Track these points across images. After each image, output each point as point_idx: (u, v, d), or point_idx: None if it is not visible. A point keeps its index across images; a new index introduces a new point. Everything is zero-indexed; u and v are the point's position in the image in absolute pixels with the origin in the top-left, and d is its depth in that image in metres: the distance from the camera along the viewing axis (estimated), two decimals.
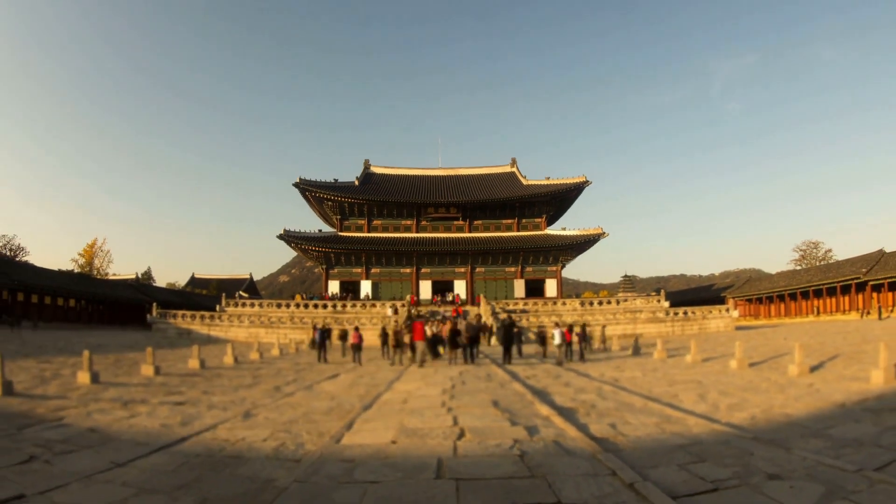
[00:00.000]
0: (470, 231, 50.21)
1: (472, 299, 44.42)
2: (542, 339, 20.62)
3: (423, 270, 48.31)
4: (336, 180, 50.05)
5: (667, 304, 39.31)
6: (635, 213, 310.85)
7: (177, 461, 5.86)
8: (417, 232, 49.73)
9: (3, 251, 58.25)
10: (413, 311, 36.76)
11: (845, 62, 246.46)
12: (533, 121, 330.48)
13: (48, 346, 21.77)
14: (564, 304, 40.80)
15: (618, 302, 42.53)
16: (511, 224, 50.75)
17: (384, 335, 21.07)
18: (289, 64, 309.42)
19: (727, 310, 38.11)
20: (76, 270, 60.56)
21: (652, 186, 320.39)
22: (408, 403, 9.24)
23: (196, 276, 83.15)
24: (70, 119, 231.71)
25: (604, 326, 27.98)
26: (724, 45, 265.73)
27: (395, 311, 36.83)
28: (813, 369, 12.79)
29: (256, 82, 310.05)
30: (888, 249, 45.45)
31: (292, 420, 8.28)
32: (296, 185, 47.43)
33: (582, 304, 41.09)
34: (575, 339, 18.91)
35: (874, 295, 42.84)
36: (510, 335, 18.12)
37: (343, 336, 24.89)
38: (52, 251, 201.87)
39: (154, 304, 39.54)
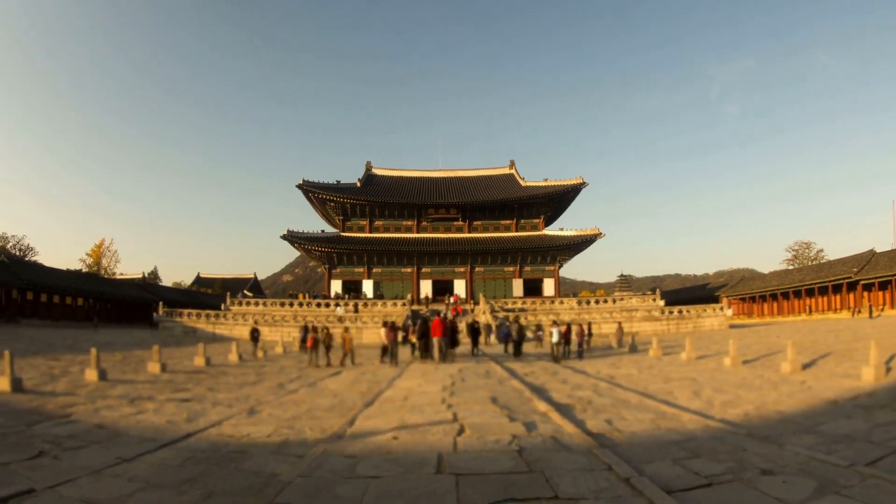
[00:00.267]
0: (469, 231, 50.20)
1: (472, 298, 44.40)
2: (540, 337, 20.70)
3: (424, 270, 48.31)
4: (338, 182, 50.07)
5: (662, 302, 39.32)
6: (632, 214, 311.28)
7: (183, 456, 5.87)
8: (418, 232, 49.72)
9: (13, 251, 58.25)
10: (424, 309, 36.69)
11: (840, 67, 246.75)
12: (532, 124, 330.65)
13: (57, 343, 21.76)
14: (562, 303, 40.79)
15: (614, 301, 42.53)
16: (510, 225, 50.75)
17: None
18: (292, 69, 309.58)
19: (721, 308, 38.09)
20: (84, 270, 60.58)
21: (648, 188, 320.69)
22: (409, 400, 9.23)
23: (201, 275, 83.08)
24: (78, 122, 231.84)
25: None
26: (722, 50, 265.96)
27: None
28: (805, 367, 12.79)
29: (261, 87, 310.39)
30: (879, 250, 45.47)
31: (296, 416, 8.28)
32: (299, 186, 47.45)
33: (579, 303, 41.07)
34: (574, 337, 18.87)
35: (865, 294, 42.84)
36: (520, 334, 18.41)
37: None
38: (60, 251, 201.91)
39: (160, 303, 39.53)
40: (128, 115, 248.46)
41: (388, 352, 17.07)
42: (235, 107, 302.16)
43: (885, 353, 12.15)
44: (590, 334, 21.43)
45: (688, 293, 68.60)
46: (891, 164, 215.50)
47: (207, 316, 36.48)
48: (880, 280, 41.38)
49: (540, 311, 37.80)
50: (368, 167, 56.21)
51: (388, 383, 11.82)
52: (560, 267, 49.86)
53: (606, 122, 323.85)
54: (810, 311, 47.37)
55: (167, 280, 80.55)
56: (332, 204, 49.00)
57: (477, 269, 48.51)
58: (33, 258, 59.32)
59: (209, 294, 67.20)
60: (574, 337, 18.88)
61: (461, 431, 6.62)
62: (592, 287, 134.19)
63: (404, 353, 17.59)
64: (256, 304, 40.52)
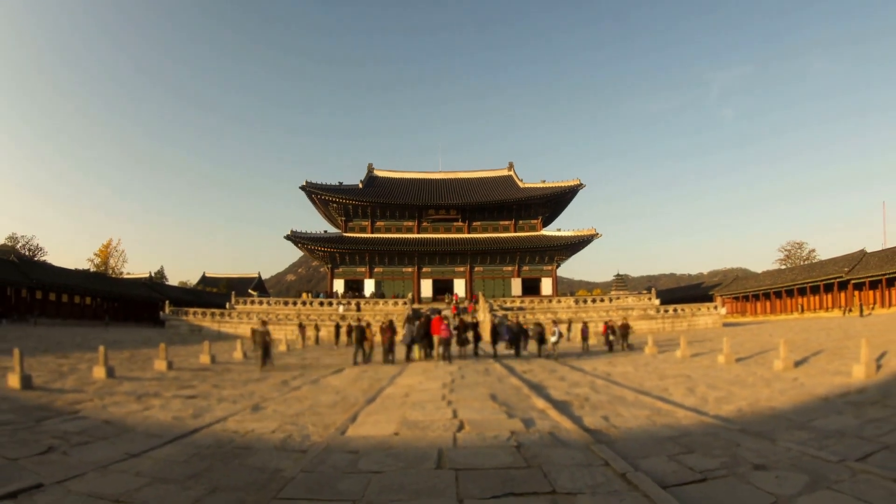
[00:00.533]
0: (469, 232, 50.20)
1: (472, 298, 44.39)
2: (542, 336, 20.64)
3: (424, 270, 48.30)
4: (341, 183, 50.10)
5: (657, 301, 39.30)
6: (628, 215, 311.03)
7: (188, 452, 5.87)
8: (419, 233, 49.72)
9: (23, 251, 58.26)
10: (425, 308, 36.65)
11: (833, 71, 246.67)
12: (530, 127, 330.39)
13: (66, 342, 21.77)
14: (559, 301, 40.76)
15: (610, 300, 42.48)
16: (508, 225, 50.74)
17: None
18: (296, 73, 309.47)
19: (715, 307, 38.08)
20: (92, 269, 60.59)
21: (645, 189, 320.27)
22: (409, 397, 9.22)
23: (207, 275, 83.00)
24: (86, 125, 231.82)
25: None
26: (718, 56, 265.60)
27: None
28: (797, 364, 12.79)
29: (265, 91, 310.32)
30: (869, 250, 45.50)
31: (299, 413, 8.27)
32: (302, 187, 47.48)
33: (576, 301, 41.04)
34: (576, 334, 19.03)
35: (856, 293, 42.86)
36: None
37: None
38: (68, 251, 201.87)
39: (167, 302, 39.51)
40: (135, 118, 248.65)
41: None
42: (240, 110, 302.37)
43: (875, 351, 12.16)
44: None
45: (683, 292, 68.60)
46: (881, 166, 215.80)
47: (213, 314, 36.48)
48: (871, 279, 41.39)
49: (538, 309, 37.78)
50: (370, 169, 56.21)
51: (390, 380, 11.81)
52: (557, 266, 49.84)
53: (603, 125, 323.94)
54: (802, 310, 47.37)
55: (173, 279, 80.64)
56: (335, 205, 49.02)
57: (476, 268, 48.50)
58: (42, 258, 59.40)
59: (214, 293, 67.18)
60: (577, 334, 19.08)
61: (461, 427, 6.61)
62: (589, 286, 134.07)
63: (401, 351, 17.51)
64: (261, 302, 40.50)
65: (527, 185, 52.26)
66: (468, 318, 33.96)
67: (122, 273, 64.54)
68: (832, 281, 45.18)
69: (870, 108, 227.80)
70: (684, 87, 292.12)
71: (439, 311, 25.71)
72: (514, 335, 18.80)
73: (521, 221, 50.86)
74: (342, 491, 4.31)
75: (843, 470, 4.68)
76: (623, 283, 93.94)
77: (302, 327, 29.33)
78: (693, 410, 8.03)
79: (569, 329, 28.26)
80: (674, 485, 4.39)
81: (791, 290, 50.09)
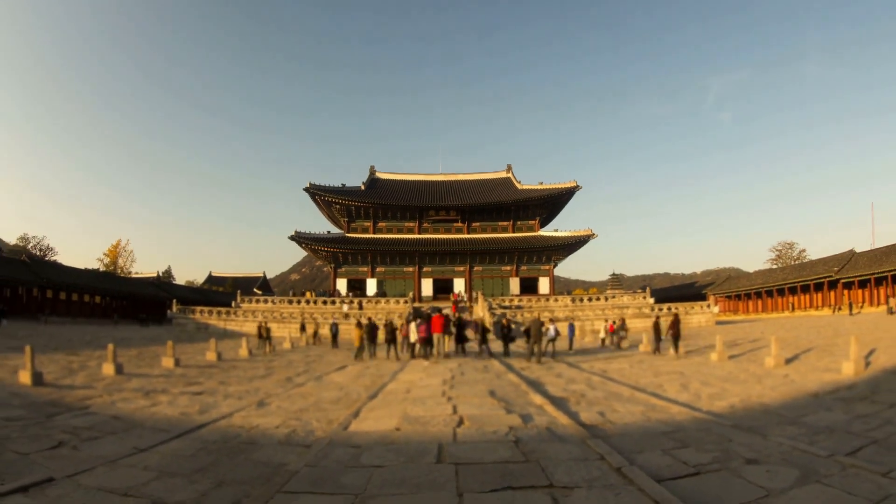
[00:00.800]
0: (468, 232, 50.19)
1: (471, 296, 44.39)
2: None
3: (425, 269, 48.29)
4: (344, 185, 50.12)
5: (652, 300, 39.30)
6: (624, 216, 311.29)
7: (195, 447, 5.86)
8: (419, 233, 49.70)
9: (34, 251, 58.24)
10: (426, 307, 36.65)
11: (826, 77, 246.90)
12: (529, 130, 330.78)
13: (75, 339, 21.76)
14: (556, 300, 40.74)
15: (606, 299, 42.47)
16: (507, 226, 50.72)
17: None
18: (300, 79, 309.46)
19: (708, 306, 38.07)
20: (101, 269, 60.56)
21: (640, 191, 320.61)
22: (411, 393, 9.21)
23: (213, 274, 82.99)
24: (95, 129, 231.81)
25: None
26: (718, 61, 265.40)
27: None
28: (788, 361, 12.79)
29: (269, 96, 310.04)
30: (858, 250, 45.49)
31: (303, 409, 8.27)
32: (306, 189, 47.50)
33: (573, 300, 41.02)
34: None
35: (845, 292, 42.85)
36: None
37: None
38: (79, 251, 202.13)
39: (174, 301, 39.49)
40: (144, 122, 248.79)
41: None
42: (246, 114, 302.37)
43: (864, 349, 12.16)
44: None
45: (676, 291, 68.59)
46: (870, 168, 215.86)
47: (219, 313, 36.45)
48: (860, 279, 41.38)
49: (536, 308, 37.74)
50: (372, 171, 56.20)
51: (392, 377, 11.80)
52: (555, 266, 49.83)
53: (601, 129, 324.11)
54: (793, 309, 47.35)
55: (180, 279, 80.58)
56: (338, 206, 49.02)
57: (476, 268, 48.49)
58: (53, 258, 59.35)
59: (220, 292, 67.14)
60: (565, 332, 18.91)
61: (460, 423, 6.61)
62: (586, 285, 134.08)
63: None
64: (265, 301, 40.48)
65: (525, 187, 52.25)
66: (467, 317, 33.99)
67: (130, 272, 64.51)
68: (822, 280, 45.16)
69: (860, 112, 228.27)
70: (682, 91, 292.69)
71: (440, 310, 25.70)
72: (504, 333, 18.56)
73: (519, 222, 50.86)
74: (345, 485, 4.31)
75: (832, 464, 4.69)
76: (618, 282, 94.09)
77: (304, 326, 29.33)
78: (687, 406, 8.03)
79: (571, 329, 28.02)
80: (668, 479, 4.39)
81: (782, 289, 50.07)
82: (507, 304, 38.98)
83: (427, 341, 16.06)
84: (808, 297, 47.32)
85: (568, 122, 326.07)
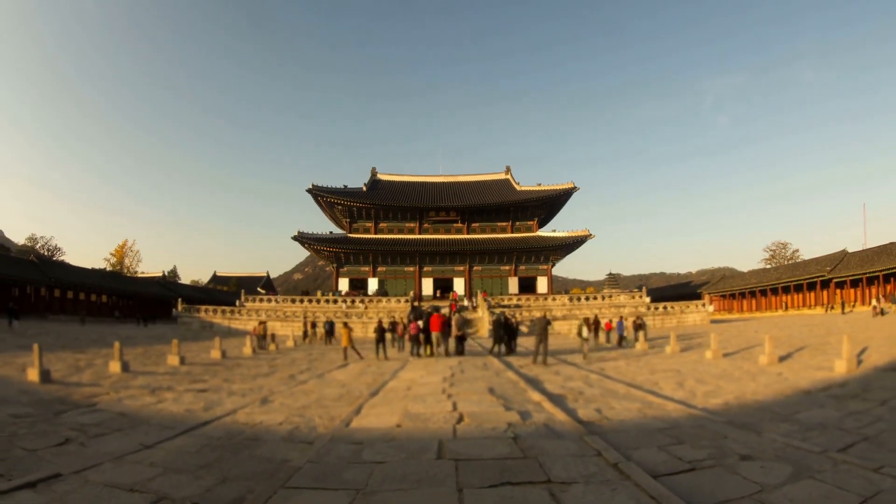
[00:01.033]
0: (468, 233, 50.20)
1: (470, 296, 44.41)
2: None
3: (426, 269, 48.31)
4: (346, 186, 50.13)
5: (648, 299, 39.31)
6: (621, 216, 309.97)
7: (200, 443, 5.86)
8: (420, 234, 49.71)
9: (42, 251, 58.27)
10: (427, 306, 36.62)
11: (820, 80, 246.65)
12: (527, 132, 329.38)
13: (82, 338, 21.77)
14: (554, 299, 40.76)
15: (603, 298, 42.50)
16: (505, 226, 50.73)
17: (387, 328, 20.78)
18: (303, 83, 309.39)
19: (703, 305, 38.10)
20: (108, 269, 60.58)
21: (637, 192, 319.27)
22: (411, 390, 9.21)
23: (218, 273, 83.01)
24: (102, 131, 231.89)
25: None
26: (715, 65, 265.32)
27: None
28: (782, 359, 12.79)
29: (273, 99, 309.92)
30: (851, 250, 45.51)
31: (305, 406, 8.27)
32: (309, 190, 47.52)
33: (570, 299, 41.04)
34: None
35: (838, 291, 42.87)
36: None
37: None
38: (86, 251, 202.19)
39: (179, 300, 39.51)
40: (150, 125, 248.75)
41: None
42: (249, 117, 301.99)
43: (856, 347, 12.16)
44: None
45: (672, 290, 68.59)
46: (862, 170, 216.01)
47: (223, 312, 36.47)
48: (852, 278, 41.40)
49: (534, 307, 37.77)
50: (374, 173, 56.21)
51: (392, 375, 11.80)
52: (553, 266, 49.84)
53: (597, 131, 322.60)
54: (786, 308, 47.36)
55: (185, 278, 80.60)
56: (340, 207, 49.04)
57: (475, 268, 48.50)
58: (60, 258, 59.43)
59: (225, 291, 67.17)
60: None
61: (460, 420, 6.60)
62: (583, 285, 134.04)
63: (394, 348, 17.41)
64: (269, 300, 40.49)
65: (523, 188, 52.27)
66: (468, 315, 33.98)
67: (136, 272, 64.55)
68: (815, 280, 45.19)
69: (852, 115, 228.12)
70: (680, 94, 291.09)
71: (439, 309, 25.69)
72: (510, 332, 18.51)
73: (517, 223, 50.87)
74: (347, 480, 4.31)
75: (825, 460, 4.69)
76: (615, 281, 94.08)
77: (315, 324, 29.36)
78: (682, 403, 8.03)
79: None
80: (664, 474, 4.39)
81: (776, 288, 50.09)
82: (506, 303, 38.98)
83: (416, 338, 16.09)
84: (801, 296, 47.34)
85: (566, 125, 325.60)
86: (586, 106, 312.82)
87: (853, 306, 38.34)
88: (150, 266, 75.36)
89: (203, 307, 37.55)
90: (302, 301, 39.57)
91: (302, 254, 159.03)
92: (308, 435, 6.22)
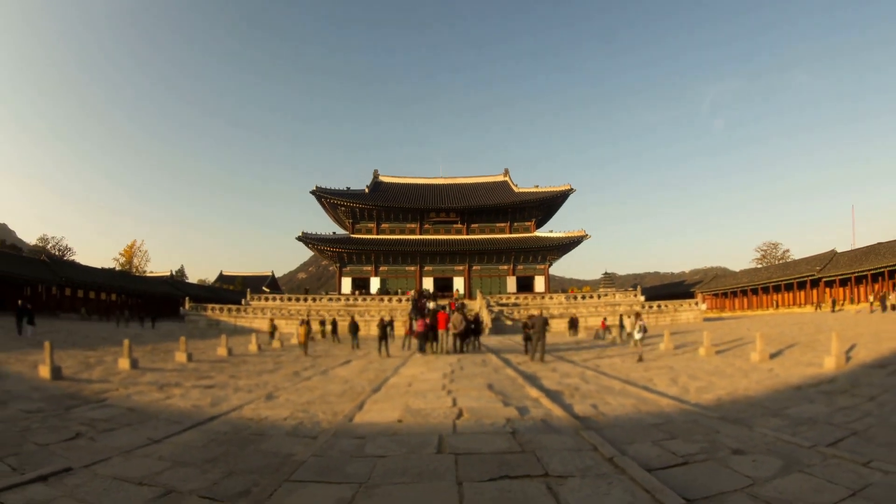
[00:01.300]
0: (467, 233, 50.20)
1: (470, 294, 44.43)
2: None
3: (426, 268, 48.30)
4: (348, 188, 50.16)
5: (643, 298, 39.31)
6: (616, 217, 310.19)
7: (207, 438, 5.86)
8: (421, 234, 49.72)
9: (53, 251, 58.24)
10: (431, 303, 36.54)
11: (814, 85, 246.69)
12: (526, 136, 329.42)
13: (92, 335, 21.75)
14: (552, 298, 40.74)
15: (599, 296, 42.49)
16: (504, 227, 50.73)
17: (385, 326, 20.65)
18: (308, 88, 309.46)
19: (696, 303, 38.08)
20: (117, 268, 60.56)
21: (633, 193, 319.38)
22: (412, 386, 9.20)
23: (224, 273, 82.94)
24: (112, 136, 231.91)
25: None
26: (710, 70, 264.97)
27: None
28: (773, 356, 12.78)
29: (277, 104, 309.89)
30: (839, 250, 45.50)
31: (309, 401, 8.26)
32: (313, 192, 47.51)
33: (567, 298, 41.03)
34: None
35: (827, 290, 42.87)
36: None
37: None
38: (96, 251, 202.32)
39: (186, 299, 39.50)
40: (159, 129, 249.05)
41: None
42: (255, 121, 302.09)
43: (844, 344, 12.15)
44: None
45: (666, 289, 68.60)
46: (852, 173, 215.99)
47: (229, 310, 36.46)
48: (841, 277, 41.40)
49: (532, 305, 37.75)
50: (376, 175, 56.21)
51: (394, 371, 11.79)
52: (550, 265, 49.84)
53: (595, 135, 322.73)
54: (777, 306, 47.35)
55: (193, 277, 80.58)
56: (343, 208, 49.05)
57: (474, 267, 48.51)
58: (71, 258, 59.39)
59: (231, 290, 67.13)
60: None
61: (460, 415, 6.60)
62: (579, 284, 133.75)
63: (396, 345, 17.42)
64: (274, 299, 40.50)
65: (521, 190, 52.29)
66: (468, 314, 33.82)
67: (145, 271, 64.53)
68: (805, 279, 45.17)
69: (843, 118, 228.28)
70: (678, 99, 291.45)
71: (444, 307, 25.63)
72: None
73: (515, 223, 50.87)
74: (350, 474, 4.31)
75: (814, 454, 4.69)
76: (611, 280, 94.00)
77: (323, 322, 29.25)
78: (676, 399, 8.02)
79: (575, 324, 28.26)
80: (658, 468, 4.39)
81: (767, 287, 50.07)
82: (504, 301, 38.98)
83: (423, 335, 16.04)
84: (791, 295, 47.33)
85: (564, 129, 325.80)
86: (583, 110, 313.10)
87: (843, 305, 38.34)
88: (158, 266, 75.26)
89: (210, 306, 37.54)
90: (306, 300, 39.57)
91: (306, 254, 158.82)
92: (312, 430, 6.21)
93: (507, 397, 7.86)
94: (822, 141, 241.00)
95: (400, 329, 24.08)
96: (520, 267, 48.93)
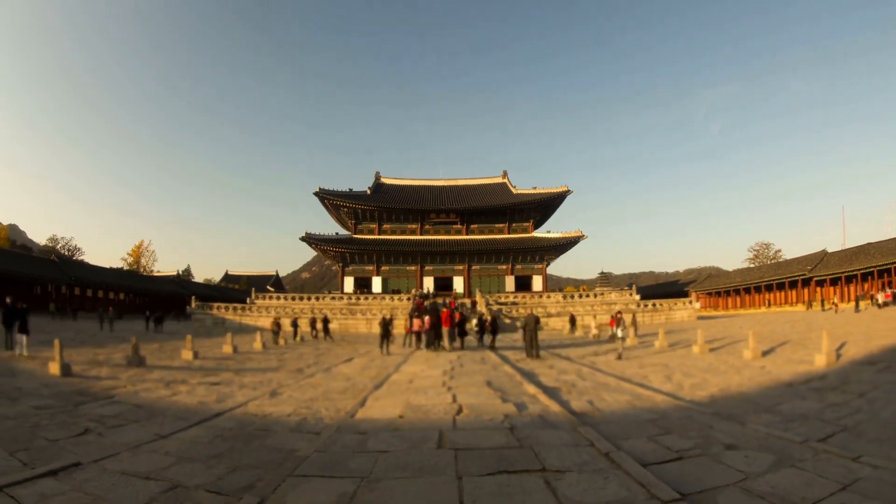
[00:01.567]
0: (467, 234, 50.19)
1: (469, 293, 44.42)
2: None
3: (427, 268, 48.29)
4: (351, 190, 50.13)
5: (638, 297, 39.30)
6: (613, 218, 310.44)
7: (212, 434, 5.86)
8: (421, 235, 49.71)
9: (62, 251, 58.22)
10: (430, 302, 36.55)
11: (808, 90, 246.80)
12: (525, 139, 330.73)
13: (100, 333, 21.75)
14: (549, 297, 40.74)
15: (595, 296, 42.49)
16: (503, 228, 50.72)
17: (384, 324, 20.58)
18: (311, 92, 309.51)
19: (690, 302, 38.06)
20: (125, 268, 60.56)
21: (629, 195, 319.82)
22: (413, 383, 9.21)
23: (229, 272, 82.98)
24: (120, 139, 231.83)
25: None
26: (707, 74, 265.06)
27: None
28: (765, 354, 12.77)
29: (282, 108, 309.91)
30: (830, 250, 45.49)
31: (313, 398, 8.26)
32: (316, 193, 47.49)
33: (564, 297, 41.05)
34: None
35: (818, 289, 42.85)
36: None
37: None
38: (105, 251, 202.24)
39: (193, 297, 39.46)
40: (166, 132, 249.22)
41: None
42: (260, 125, 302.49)
43: (835, 342, 12.15)
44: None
45: (661, 289, 68.59)
46: (842, 174, 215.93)
47: (235, 309, 36.44)
48: (831, 277, 41.38)
49: (530, 304, 37.75)
50: (377, 177, 56.20)
51: (395, 368, 11.80)
52: (547, 265, 49.82)
53: (592, 138, 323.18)
54: (769, 305, 47.34)
55: (199, 277, 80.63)
56: (345, 209, 49.04)
57: (474, 267, 48.50)
58: (80, 257, 59.38)
59: (236, 289, 67.13)
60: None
61: (459, 411, 6.61)
62: (576, 283, 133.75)
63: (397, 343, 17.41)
64: (278, 298, 40.50)
65: (519, 192, 52.27)
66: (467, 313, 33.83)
67: (152, 271, 64.53)
68: (796, 278, 45.16)
69: (834, 122, 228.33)
70: (674, 103, 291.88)
71: (447, 304, 25.64)
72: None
73: (514, 224, 50.86)
74: (352, 469, 4.31)
75: (806, 450, 4.68)
76: (607, 280, 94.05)
77: (314, 321, 29.29)
78: (670, 396, 8.02)
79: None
80: (653, 463, 4.39)
81: (759, 286, 50.06)
82: (503, 300, 38.98)
83: (427, 332, 16.05)
84: (783, 294, 47.32)
85: (562, 132, 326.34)
86: (581, 114, 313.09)
87: (833, 303, 38.34)
88: (164, 265, 75.51)
89: (216, 304, 37.51)
90: (309, 298, 39.56)
91: (309, 254, 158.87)
92: (315, 426, 6.21)
93: (505, 394, 7.86)
94: (813, 144, 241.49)
95: (401, 328, 24.07)
96: (518, 267, 48.92)
